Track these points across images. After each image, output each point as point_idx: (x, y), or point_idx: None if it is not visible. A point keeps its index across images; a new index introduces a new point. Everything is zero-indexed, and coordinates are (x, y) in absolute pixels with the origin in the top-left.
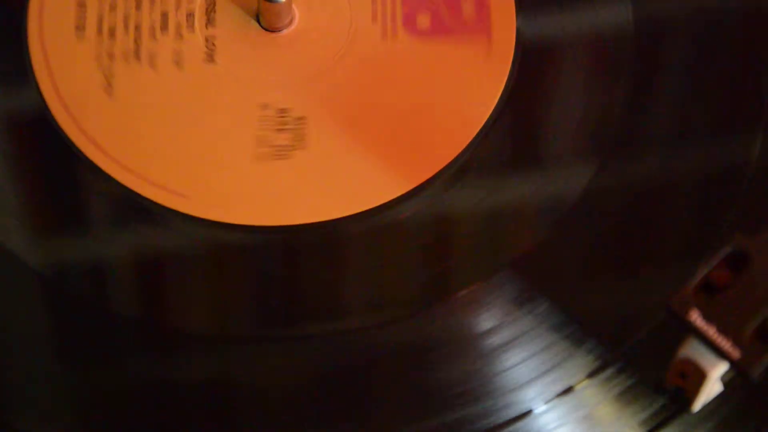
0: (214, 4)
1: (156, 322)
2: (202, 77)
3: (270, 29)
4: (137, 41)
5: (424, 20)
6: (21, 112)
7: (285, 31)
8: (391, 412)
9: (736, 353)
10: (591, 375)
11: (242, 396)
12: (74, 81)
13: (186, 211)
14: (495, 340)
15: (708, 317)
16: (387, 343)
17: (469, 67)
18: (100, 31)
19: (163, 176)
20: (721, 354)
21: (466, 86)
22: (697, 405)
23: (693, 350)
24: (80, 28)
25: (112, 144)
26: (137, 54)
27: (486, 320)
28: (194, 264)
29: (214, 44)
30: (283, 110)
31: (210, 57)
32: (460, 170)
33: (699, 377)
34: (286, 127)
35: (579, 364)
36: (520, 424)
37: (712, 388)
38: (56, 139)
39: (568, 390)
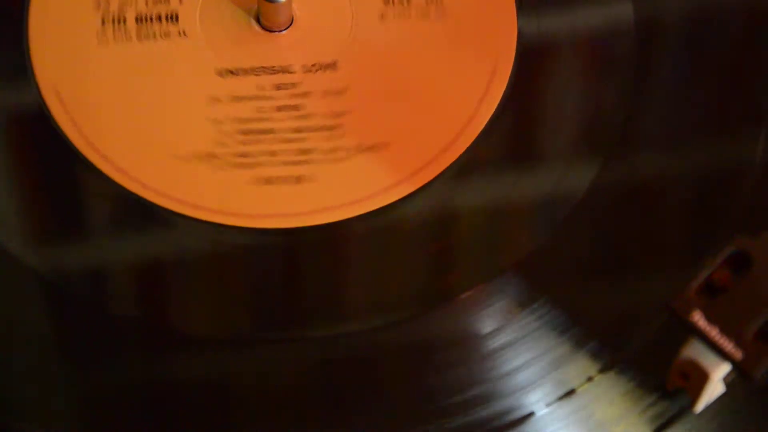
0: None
1: (156, 323)
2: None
3: (270, 29)
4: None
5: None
6: (20, 112)
7: (284, 32)
8: (392, 414)
9: (738, 354)
10: (593, 377)
11: (242, 397)
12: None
13: (186, 212)
14: (497, 342)
15: (710, 318)
16: (388, 345)
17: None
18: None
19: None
20: (724, 355)
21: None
22: (700, 406)
23: (695, 351)
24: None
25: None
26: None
27: (488, 322)
28: (195, 265)
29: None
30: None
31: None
32: (461, 171)
33: (701, 378)
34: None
35: (581, 366)
36: (522, 427)
37: (714, 389)
38: (56, 140)
39: (570, 392)
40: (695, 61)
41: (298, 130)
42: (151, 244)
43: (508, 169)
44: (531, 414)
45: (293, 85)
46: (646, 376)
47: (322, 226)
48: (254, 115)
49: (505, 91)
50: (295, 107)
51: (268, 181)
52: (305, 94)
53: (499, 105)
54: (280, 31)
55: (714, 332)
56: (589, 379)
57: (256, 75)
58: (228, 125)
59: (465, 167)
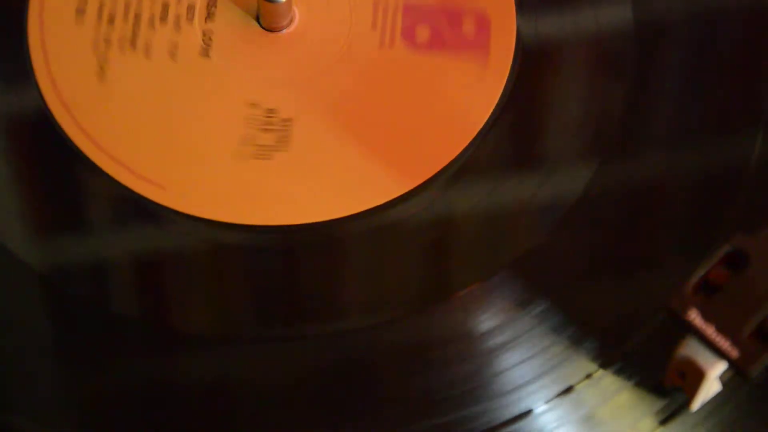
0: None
1: (155, 322)
2: (195, 71)
3: (269, 29)
4: (135, 29)
5: (423, 33)
6: (20, 112)
7: (284, 32)
8: (390, 412)
9: (734, 352)
10: (591, 375)
11: (241, 396)
12: (68, 66)
13: (185, 210)
14: (495, 340)
15: (707, 316)
16: (386, 343)
17: (465, 77)
18: (99, 17)
19: (162, 175)
20: (720, 353)
21: (466, 87)
22: (696, 404)
23: (692, 349)
24: (81, 12)
25: (110, 142)
26: (133, 42)
27: (486, 320)
28: (193, 264)
29: (211, 39)
30: (270, 110)
31: (205, 52)
32: (459, 171)
33: (698, 376)
34: (272, 127)
35: (579, 364)
36: (520, 424)
37: (710, 387)
38: (56, 139)
39: (568, 390)
40: (694, 62)
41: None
42: (150, 243)
43: (507, 169)
44: (529, 411)
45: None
46: (644, 374)
47: (320, 225)
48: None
49: (503, 92)
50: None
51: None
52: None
53: (497, 105)
54: (280, 31)
55: (710, 330)
56: (588, 376)
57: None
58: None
59: (463, 167)
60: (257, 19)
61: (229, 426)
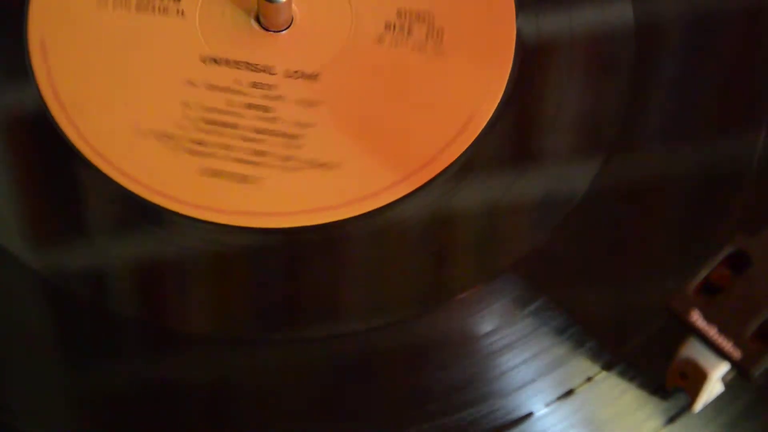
0: None
1: (155, 324)
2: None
3: (269, 29)
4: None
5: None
6: (20, 112)
7: (284, 32)
8: (391, 413)
9: (736, 353)
10: (592, 377)
11: (241, 397)
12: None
13: (186, 212)
14: (496, 342)
15: (709, 317)
16: (387, 345)
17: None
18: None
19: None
20: (722, 354)
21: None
22: (698, 405)
23: (694, 350)
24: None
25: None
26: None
27: (487, 322)
28: (194, 265)
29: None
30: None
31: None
32: (460, 171)
33: (700, 378)
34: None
35: (580, 366)
36: (521, 427)
37: (712, 388)
38: (56, 140)
39: (569, 392)
40: (694, 61)
41: (259, 131)
42: (150, 245)
43: (508, 169)
44: (530, 414)
45: (269, 86)
46: (646, 376)
47: (321, 226)
48: (223, 107)
49: (504, 91)
50: (264, 108)
51: (215, 173)
52: (278, 98)
53: (498, 105)
54: (279, 31)
55: (712, 331)
56: (588, 379)
57: (237, 69)
58: (195, 111)
59: (464, 167)
60: (257, 19)
61: (229, 426)
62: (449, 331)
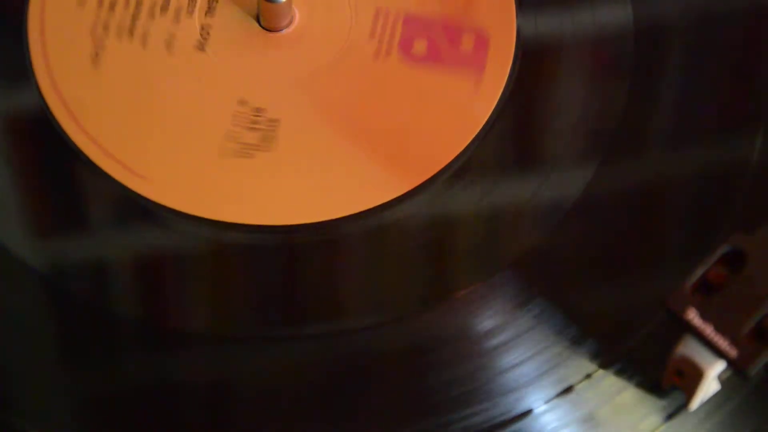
0: None
1: (155, 322)
2: (188, 64)
3: (269, 29)
4: (135, 17)
5: (420, 46)
6: (21, 112)
7: (284, 32)
8: (391, 412)
9: (733, 352)
10: (591, 374)
11: (240, 395)
12: (64, 47)
13: (186, 210)
14: (495, 340)
15: (705, 316)
16: (387, 343)
17: (461, 90)
18: (101, 3)
19: (160, 177)
20: (718, 353)
21: (465, 87)
22: (695, 404)
23: (690, 349)
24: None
25: (110, 141)
26: (131, 30)
27: (486, 320)
28: (194, 264)
29: (208, 33)
30: (258, 109)
31: (201, 46)
32: (459, 171)
33: (696, 376)
34: (257, 126)
35: (579, 363)
36: (520, 424)
37: (709, 386)
38: (56, 138)
39: (568, 390)
40: (693, 62)
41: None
42: (150, 243)
43: (507, 169)
44: (529, 411)
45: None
46: (644, 374)
47: (320, 225)
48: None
49: (503, 92)
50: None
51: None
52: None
53: (497, 105)
54: (279, 31)
55: (709, 330)
56: (587, 376)
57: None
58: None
59: (464, 166)
60: (257, 19)
61: (229, 426)
62: (449, 330)
